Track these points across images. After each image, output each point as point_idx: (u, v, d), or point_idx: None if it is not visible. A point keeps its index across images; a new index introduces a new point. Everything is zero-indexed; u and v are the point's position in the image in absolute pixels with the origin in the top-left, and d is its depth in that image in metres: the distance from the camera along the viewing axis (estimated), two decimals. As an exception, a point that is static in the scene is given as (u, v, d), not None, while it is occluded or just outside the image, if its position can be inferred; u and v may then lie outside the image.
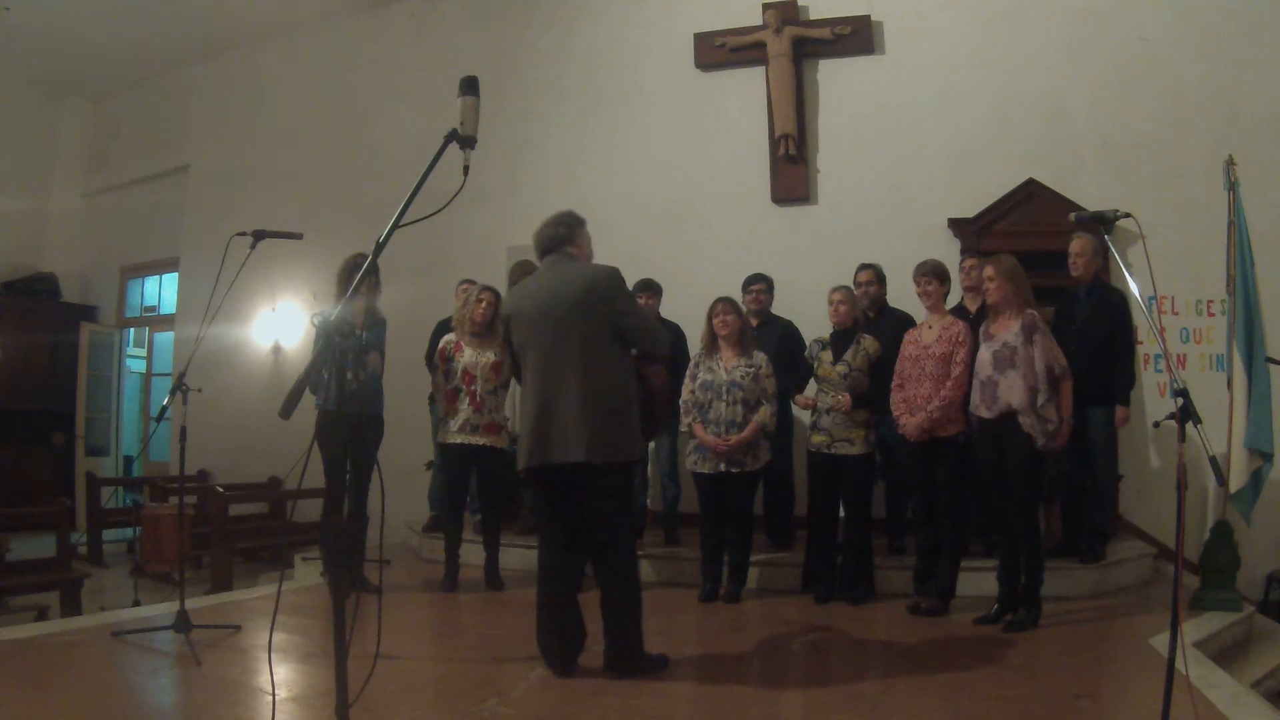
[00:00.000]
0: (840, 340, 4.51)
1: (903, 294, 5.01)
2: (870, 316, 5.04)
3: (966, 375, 4.07)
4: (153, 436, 8.65)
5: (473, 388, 4.67)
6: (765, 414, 4.42)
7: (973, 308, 4.81)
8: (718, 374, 4.47)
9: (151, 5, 8.06)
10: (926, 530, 4.27)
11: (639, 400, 3.29)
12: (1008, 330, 3.88)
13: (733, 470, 4.39)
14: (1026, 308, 3.90)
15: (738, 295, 5.13)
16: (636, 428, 3.27)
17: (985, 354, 3.94)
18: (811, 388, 4.62)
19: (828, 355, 4.50)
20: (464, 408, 4.67)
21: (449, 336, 4.84)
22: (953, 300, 4.76)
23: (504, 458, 4.88)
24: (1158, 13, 6.03)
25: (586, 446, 3.06)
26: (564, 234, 3.37)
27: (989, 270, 3.98)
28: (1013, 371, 3.83)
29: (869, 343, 4.48)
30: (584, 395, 3.09)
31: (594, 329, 3.15)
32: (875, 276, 5.12)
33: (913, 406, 4.19)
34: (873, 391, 4.43)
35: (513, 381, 5.10)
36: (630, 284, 5.28)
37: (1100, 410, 4.60)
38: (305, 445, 2.43)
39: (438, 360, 4.80)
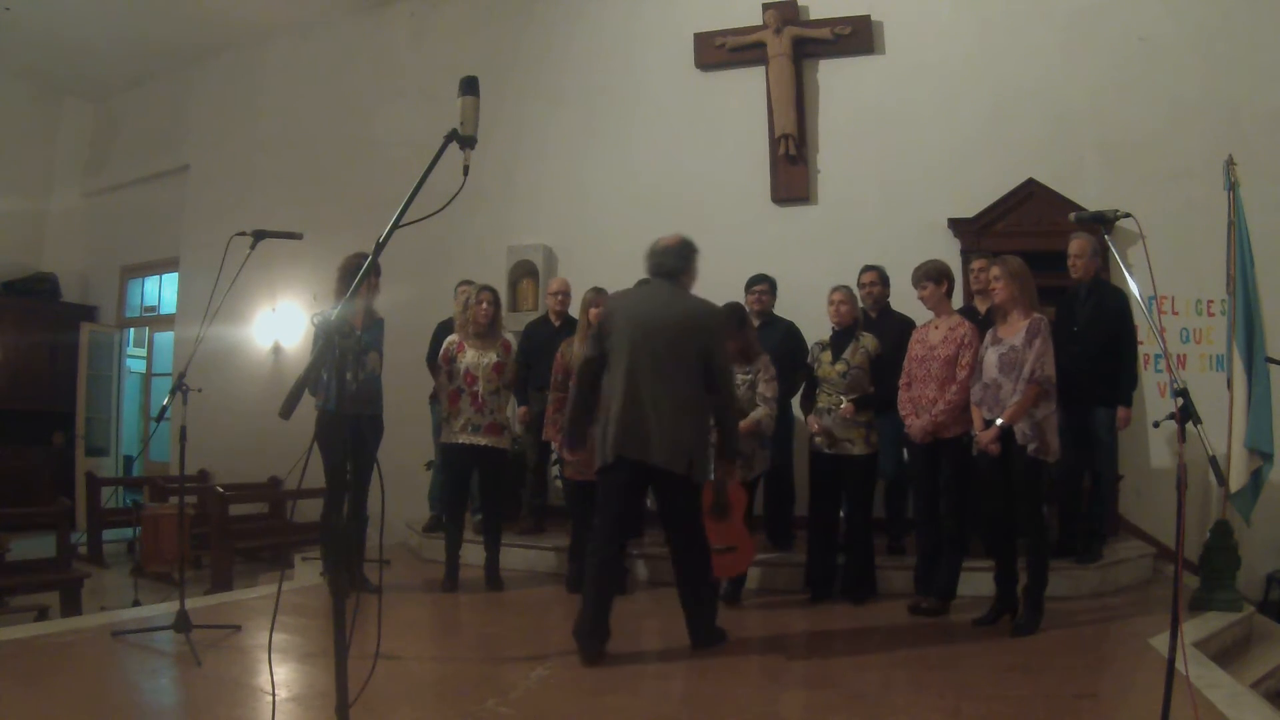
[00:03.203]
0: (840, 339, 4.51)
1: (905, 295, 5.01)
2: (872, 317, 5.05)
3: (970, 378, 4.06)
4: (153, 436, 8.66)
5: (474, 388, 4.68)
6: (760, 413, 4.41)
7: (983, 309, 4.79)
8: None
9: (151, 5, 8.06)
10: (927, 530, 4.27)
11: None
12: (1015, 334, 3.87)
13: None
14: (1033, 310, 3.88)
15: (738, 295, 5.14)
16: (708, 452, 3.65)
17: (992, 356, 3.92)
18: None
19: (827, 355, 4.49)
20: (466, 408, 4.68)
21: (452, 337, 4.84)
22: (960, 302, 4.76)
23: (505, 458, 4.89)
24: (1158, 13, 6.03)
25: (670, 456, 3.39)
26: (683, 266, 3.65)
27: (995, 270, 3.97)
28: (1015, 375, 3.83)
29: (868, 340, 4.48)
30: (680, 411, 3.43)
31: (696, 356, 3.48)
32: (879, 278, 5.14)
33: (919, 407, 4.19)
34: (876, 392, 4.44)
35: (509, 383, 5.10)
36: (630, 284, 5.33)
37: (1105, 411, 4.60)
38: (305, 445, 2.43)
39: (440, 361, 4.80)
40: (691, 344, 3.47)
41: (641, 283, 3.71)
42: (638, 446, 3.40)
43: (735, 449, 3.79)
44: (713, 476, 4.39)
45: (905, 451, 4.85)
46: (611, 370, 3.53)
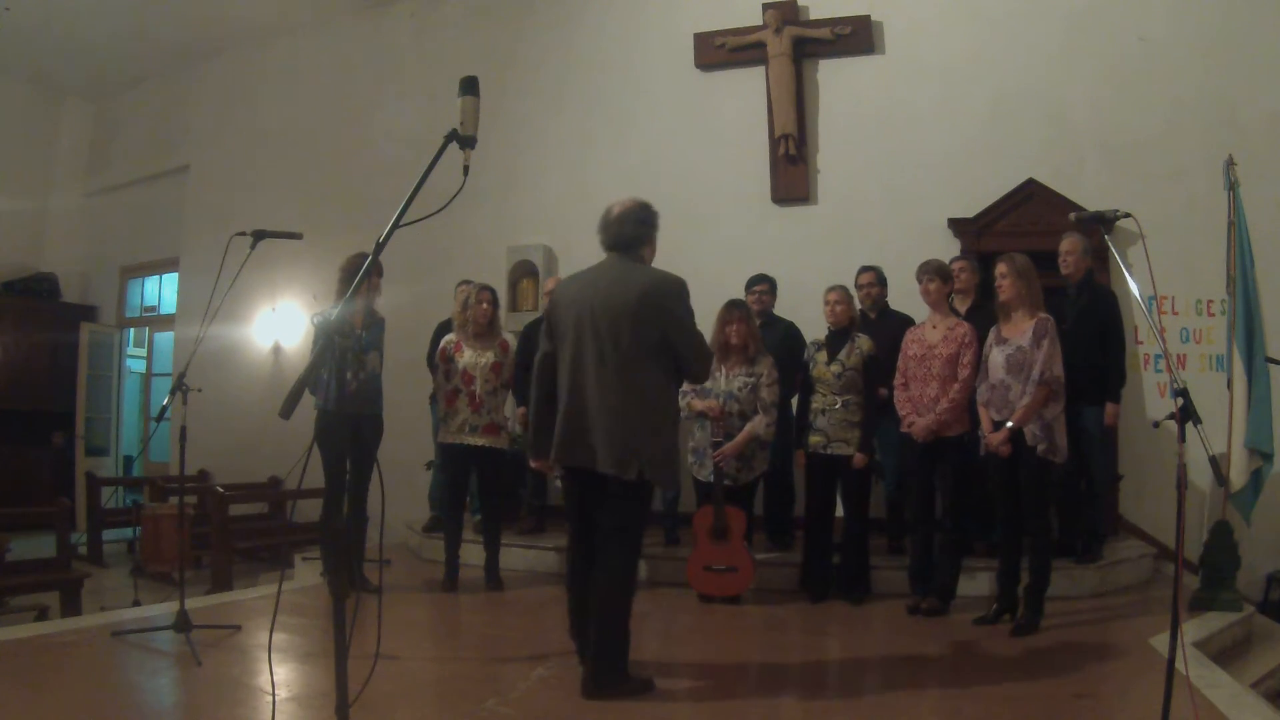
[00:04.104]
0: (835, 340, 4.51)
1: (903, 295, 5.02)
2: (871, 318, 5.06)
3: (973, 377, 4.07)
4: (153, 436, 8.65)
5: (472, 388, 4.68)
6: (760, 424, 4.41)
7: (963, 309, 4.80)
8: (717, 382, 4.47)
9: (151, 5, 8.05)
10: (924, 530, 4.27)
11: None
12: (1021, 334, 3.87)
13: (725, 482, 4.39)
14: (1039, 310, 3.88)
15: (738, 295, 5.13)
16: (673, 453, 3.11)
17: (999, 357, 3.92)
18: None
19: (822, 356, 4.50)
20: (463, 408, 4.68)
21: (449, 336, 4.85)
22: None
23: (503, 458, 4.89)
24: (1158, 13, 6.03)
25: (615, 460, 2.93)
26: (643, 235, 3.17)
27: (1001, 267, 3.97)
28: (1023, 376, 3.83)
29: (864, 342, 4.49)
30: (621, 404, 2.95)
31: (644, 338, 2.98)
32: (876, 279, 5.14)
33: (919, 407, 4.19)
34: (870, 398, 4.46)
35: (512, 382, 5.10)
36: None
37: (1094, 409, 4.61)
38: (305, 445, 2.43)
39: (438, 360, 4.81)
40: (649, 328, 2.97)
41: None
42: (582, 453, 3.01)
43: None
44: (710, 477, 4.42)
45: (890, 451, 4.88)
46: (560, 365, 3.12)
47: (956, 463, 4.14)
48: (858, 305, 5.07)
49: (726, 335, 4.50)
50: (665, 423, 3.07)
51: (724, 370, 4.50)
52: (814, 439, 4.45)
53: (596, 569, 3.03)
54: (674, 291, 3.05)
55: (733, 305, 4.60)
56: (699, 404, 4.46)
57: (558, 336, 3.13)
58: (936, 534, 4.23)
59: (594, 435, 2.99)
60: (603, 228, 3.18)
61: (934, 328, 4.27)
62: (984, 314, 4.33)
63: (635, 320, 2.97)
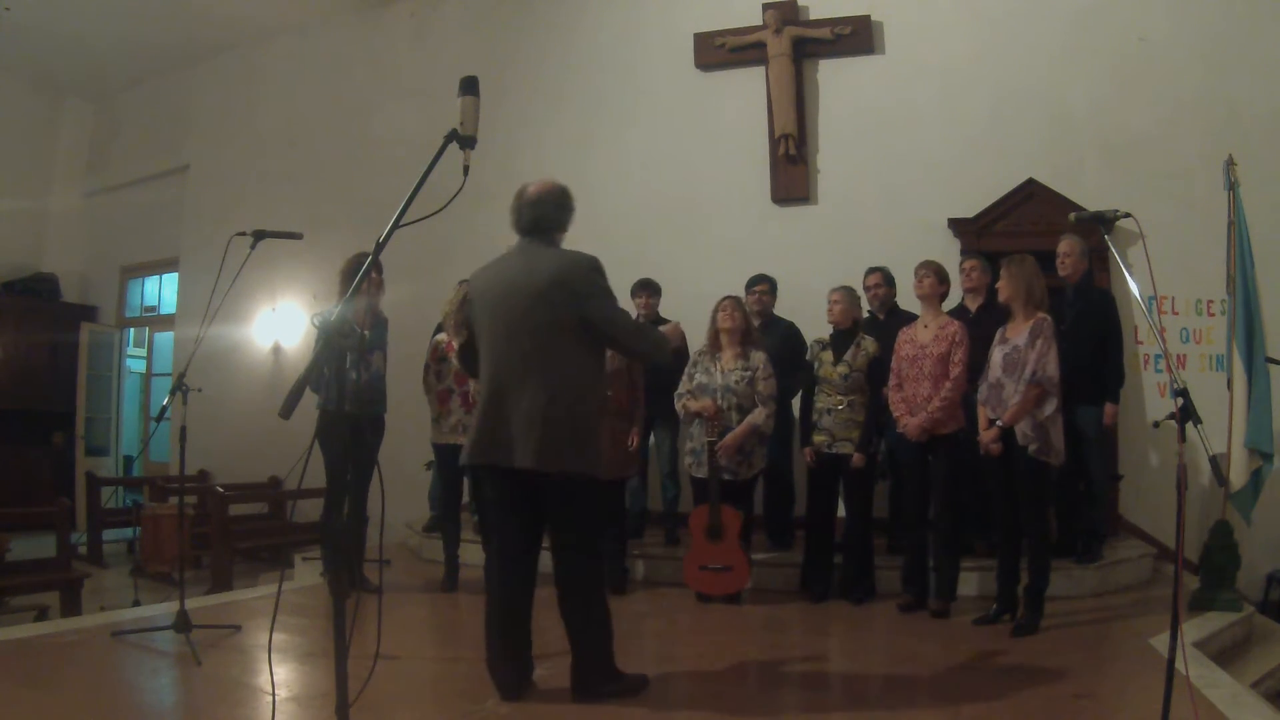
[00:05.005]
0: (841, 341, 4.51)
1: (905, 296, 5.01)
2: (880, 319, 5.06)
3: (965, 375, 4.09)
4: (153, 436, 8.66)
5: (464, 388, 4.68)
6: (760, 416, 4.41)
7: (973, 308, 4.81)
8: (714, 377, 4.47)
9: (151, 5, 8.06)
10: (920, 530, 4.28)
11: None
12: (1019, 334, 3.88)
13: (725, 477, 4.39)
14: (1038, 311, 3.89)
15: (739, 296, 5.14)
16: (589, 436, 2.92)
17: (998, 355, 3.94)
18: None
19: (828, 356, 4.50)
20: (456, 408, 4.68)
21: (440, 336, 4.85)
22: (953, 302, 4.77)
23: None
24: (1158, 13, 6.03)
25: (537, 452, 2.77)
26: (562, 220, 3.00)
27: (1002, 270, 4.01)
28: (1017, 375, 3.83)
29: (869, 343, 4.49)
30: (541, 394, 2.79)
31: (559, 323, 2.81)
32: (884, 279, 5.15)
33: (913, 406, 4.20)
34: (875, 398, 4.46)
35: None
36: (630, 284, 5.32)
37: (1091, 409, 4.61)
38: (305, 445, 2.43)
39: (430, 360, 4.81)
40: (563, 311, 2.81)
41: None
42: (499, 451, 2.84)
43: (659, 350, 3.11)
44: (703, 473, 4.42)
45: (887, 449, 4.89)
46: (480, 359, 2.99)
47: (950, 460, 4.14)
48: (866, 306, 5.07)
49: (718, 320, 4.51)
50: (581, 411, 2.87)
51: (719, 365, 4.50)
52: (818, 438, 4.45)
53: (559, 569, 2.96)
54: (585, 271, 2.87)
55: (726, 297, 4.64)
56: (694, 404, 4.46)
57: (475, 331, 3.00)
58: (931, 533, 4.23)
59: (512, 430, 2.82)
60: (516, 209, 2.99)
61: (925, 327, 4.29)
62: (994, 313, 4.34)
63: (549, 305, 2.81)
